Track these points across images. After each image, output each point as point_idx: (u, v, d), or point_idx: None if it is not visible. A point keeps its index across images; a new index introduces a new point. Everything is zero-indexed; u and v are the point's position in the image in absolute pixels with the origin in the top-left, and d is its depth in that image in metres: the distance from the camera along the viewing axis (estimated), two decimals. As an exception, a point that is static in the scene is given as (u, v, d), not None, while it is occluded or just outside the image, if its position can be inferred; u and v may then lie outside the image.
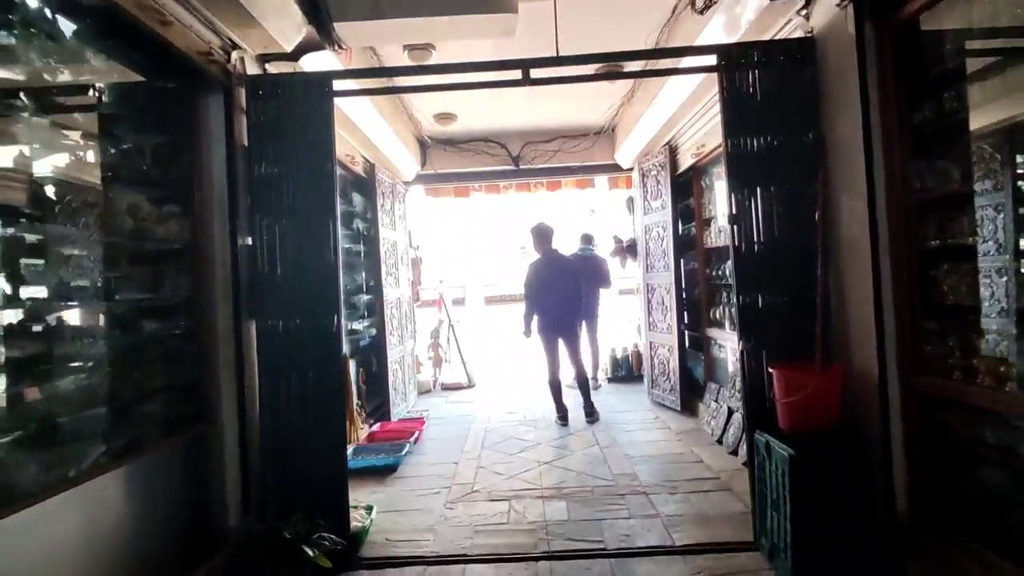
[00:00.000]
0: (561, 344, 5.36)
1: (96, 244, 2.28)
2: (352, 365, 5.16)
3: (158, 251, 2.64)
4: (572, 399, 5.51)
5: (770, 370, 2.70)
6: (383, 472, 4.15)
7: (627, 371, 7.12)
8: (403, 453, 4.33)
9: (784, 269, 2.85)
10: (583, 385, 5.39)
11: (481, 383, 7.53)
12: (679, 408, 5.39)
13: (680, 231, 5.55)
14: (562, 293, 5.27)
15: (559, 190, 7.87)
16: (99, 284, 2.27)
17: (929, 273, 2.40)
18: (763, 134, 2.91)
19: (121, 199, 2.36)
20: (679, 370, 5.41)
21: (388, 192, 5.90)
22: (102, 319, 2.31)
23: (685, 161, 5.26)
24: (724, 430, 4.37)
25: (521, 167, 6.64)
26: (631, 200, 7.11)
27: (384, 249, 5.63)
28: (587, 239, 7.14)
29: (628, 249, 6.84)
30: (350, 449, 4.40)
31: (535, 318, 5.38)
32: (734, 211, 2.90)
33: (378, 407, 5.47)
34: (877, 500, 2.48)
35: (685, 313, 5.59)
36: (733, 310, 4.88)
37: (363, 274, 5.71)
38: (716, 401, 4.81)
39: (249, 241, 2.94)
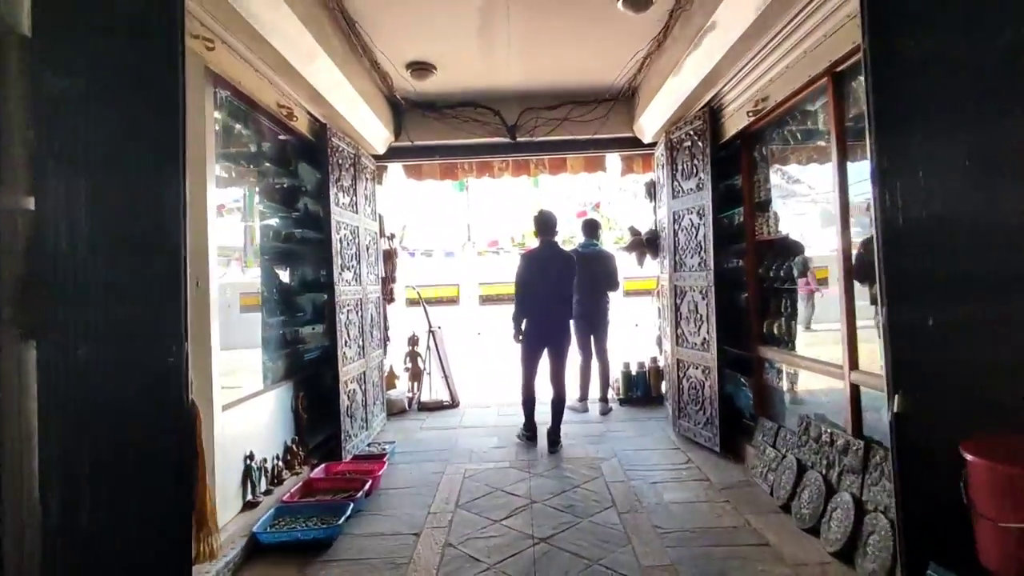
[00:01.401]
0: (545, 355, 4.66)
1: None
2: (289, 388, 3.92)
3: None
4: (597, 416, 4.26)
5: (966, 456, 1.45)
6: (310, 550, 2.91)
7: (643, 391, 5.87)
8: (341, 521, 3.07)
9: (974, 264, 1.60)
10: (557, 408, 4.59)
11: (468, 400, 6.28)
12: (718, 449, 4.14)
13: (721, 219, 4.29)
14: (552, 293, 4.55)
15: (563, 173, 6.63)
16: None
17: None
18: (932, 32, 1.65)
19: None
20: (718, 399, 4.16)
21: (348, 164, 4.64)
22: None
23: (732, 126, 4.01)
24: (794, 493, 3.12)
25: (519, 139, 5.37)
26: (652, 184, 5.86)
27: (340, 236, 4.37)
28: (591, 230, 5.87)
29: (648, 243, 5.59)
30: (270, 512, 3.15)
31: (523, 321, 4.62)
32: (884, 163, 1.65)
33: (325, 441, 4.22)
34: None
35: (720, 324, 4.29)
36: (781, 322, 3.68)
37: (310, 268, 4.45)
38: (774, 446, 3.56)
39: (30, 204, 1.68)
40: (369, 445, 4.59)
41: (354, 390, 4.51)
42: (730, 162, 4.27)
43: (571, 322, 4.69)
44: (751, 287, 4.04)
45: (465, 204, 18.80)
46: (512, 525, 3.14)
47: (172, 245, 1.69)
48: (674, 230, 4.72)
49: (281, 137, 4.12)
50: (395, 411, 5.79)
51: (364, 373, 4.76)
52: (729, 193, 4.32)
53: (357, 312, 4.68)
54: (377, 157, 5.52)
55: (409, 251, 19.33)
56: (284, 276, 4.38)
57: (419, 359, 6.31)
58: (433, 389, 6.27)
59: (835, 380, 3.00)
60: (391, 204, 8.43)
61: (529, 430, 4.67)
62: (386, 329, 5.83)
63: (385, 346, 5.73)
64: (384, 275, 5.78)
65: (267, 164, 3.98)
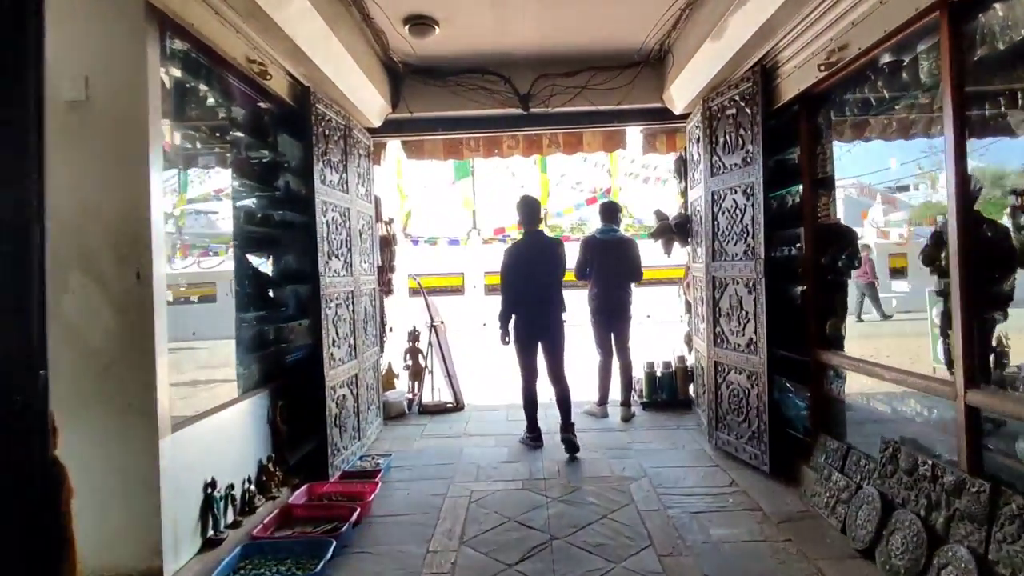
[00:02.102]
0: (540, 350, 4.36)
1: None
2: (265, 396, 3.34)
3: None
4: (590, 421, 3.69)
5: None
6: (280, 605, 2.34)
7: (669, 394, 5.27)
8: (319, 567, 2.50)
9: None
10: (564, 406, 4.25)
11: (474, 400, 5.73)
12: (767, 468, 3.54)
13: (771, 199, 3.66)
14: (540, 286, 4.28)
15: (579, 152, 6.00)
16: None
17: None
18: None
19: None
20: (768, 411, 3.56)
21: (337, 136, 4.03)
22: None
23: (791, 87, 3.37)
24: (879, 536, 2.52)
25: (532, 110, 4.74)
26: (681, 162, 5.22)
27: (327, 219, 3.77)
28: (610, 214, 5.19)
29: (677, 229, 4.96)
30: (234, 552, 2.59)
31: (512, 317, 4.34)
32: None
33: (309, 456, 3.64)
34: None
35: (770, 323, 3.66)
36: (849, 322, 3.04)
37: (294, 255, 3.83)
38: (843, 472, 2.96)
39: None
40: (361, 459, 4.02)
41: (344, 396, 3.94)
42: (783, 132, 3.63)
43: (562, 316, 4.34)
44: (810, 279, 3.42)
45: (470, 190, 18.15)
46: (530, 572, 2.56)
47: (18, 237, 1.09)
48: (712, 213, 4.10)
49: (259, 104, 3.50)
50: (393, 415, 5.22)
51: (356, 376, 4.18)
52: (780, 169, 3.69)
53: (348, 306, 4.09)
54: (372, 131, 4.90)
55: (413, 239, 18.75)
56: (264, 265, 3.80)
57: (420, 356, 5.74)
58: (436, 389, 5.71)
59: (937, 399, 2.40)
60: (392, 187, 7.84)
61: (532, 431, 4.35)
62: (383, 324, 5.25)
63: (382, 343, 5.15)
64: (381, 264, 5.19)
65: (239, 134, 3.37)
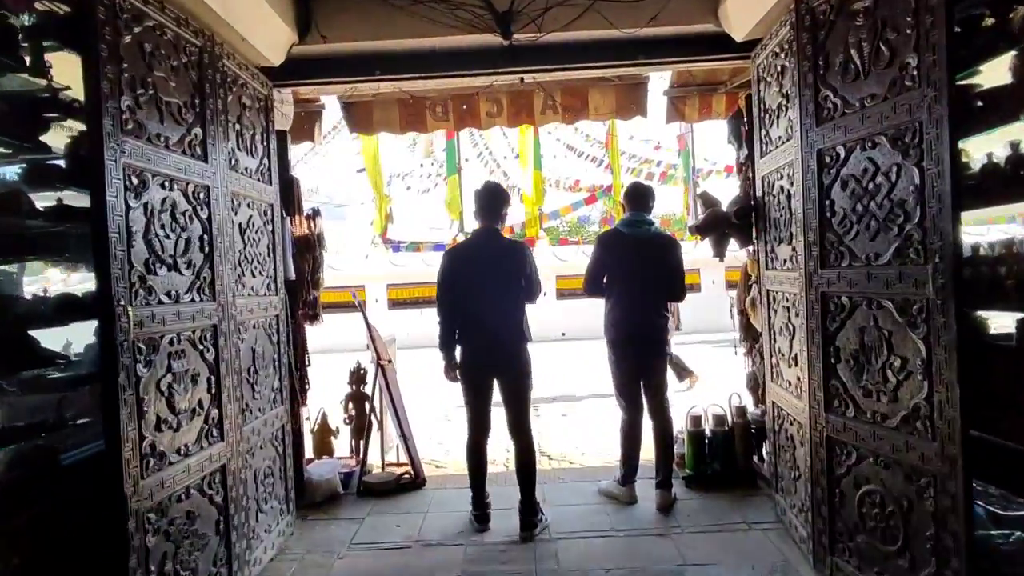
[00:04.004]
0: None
1: None
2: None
3: None
4: None
5: None
6: None
7: (725, 464, 3.57)
8: None
9: None
10: (524, 473, 3.12)
11: (442, 458, 4.09)
12: (964, 661, 1.87)
13: (958, 153, 1.99)
14: (494, 302, 3.10)
15: (582, 119, 4.41)
16: None
17: None
18: None
19: None
20: (965, 551, 1.88)
21: (181, 61, 2.34)
22: None
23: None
24: None
25: (515, 38, 3.08)
26: (739, 120, 3.58)
27: (146, 201, 2.08)
28: (639, 200, 3.44)
29: (738, 218, 3.29)
30: None
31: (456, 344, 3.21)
32: None
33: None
34: None
35: (962, 381, 2.00)
36: None
37: (59, 267, 2.15)
38: None
39: None
40: (226, 617, 2.32)
41: (190, 513, 2.24)
42: (966, 34, 1.99)
43: (526, 345, 3.17)
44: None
45: (457, 190, 16.51)
46: None
47: None
48: (819, 186, 2.44)
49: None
50: (319, 499, 3.52)
51: (224, 468, 2.48)
52: (965, 99, 2.03)
53: (203, 352, 2.39)
54: (275, 76, 3.22)
55: (393, 244, 17.00)
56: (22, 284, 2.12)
57: (366, 404, 4.04)
58: (391, 447, 4.05)
59: None
60: (370, 186, 6.24)
61: (478, 508, 3.20)
62: (302, 367, 3.57)
63: (296, 395, 3.45)
64: (297, 277, 3.49)
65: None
